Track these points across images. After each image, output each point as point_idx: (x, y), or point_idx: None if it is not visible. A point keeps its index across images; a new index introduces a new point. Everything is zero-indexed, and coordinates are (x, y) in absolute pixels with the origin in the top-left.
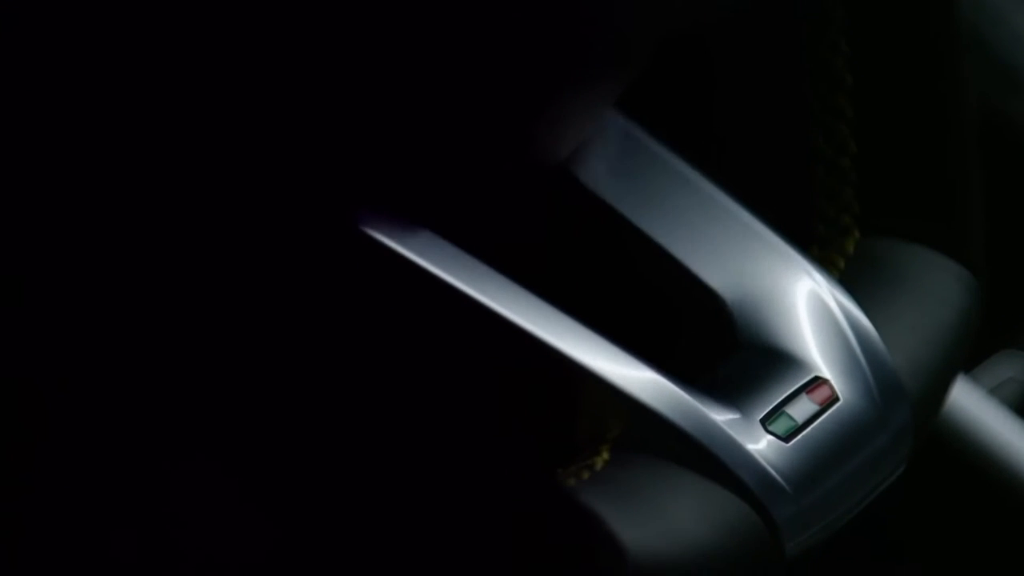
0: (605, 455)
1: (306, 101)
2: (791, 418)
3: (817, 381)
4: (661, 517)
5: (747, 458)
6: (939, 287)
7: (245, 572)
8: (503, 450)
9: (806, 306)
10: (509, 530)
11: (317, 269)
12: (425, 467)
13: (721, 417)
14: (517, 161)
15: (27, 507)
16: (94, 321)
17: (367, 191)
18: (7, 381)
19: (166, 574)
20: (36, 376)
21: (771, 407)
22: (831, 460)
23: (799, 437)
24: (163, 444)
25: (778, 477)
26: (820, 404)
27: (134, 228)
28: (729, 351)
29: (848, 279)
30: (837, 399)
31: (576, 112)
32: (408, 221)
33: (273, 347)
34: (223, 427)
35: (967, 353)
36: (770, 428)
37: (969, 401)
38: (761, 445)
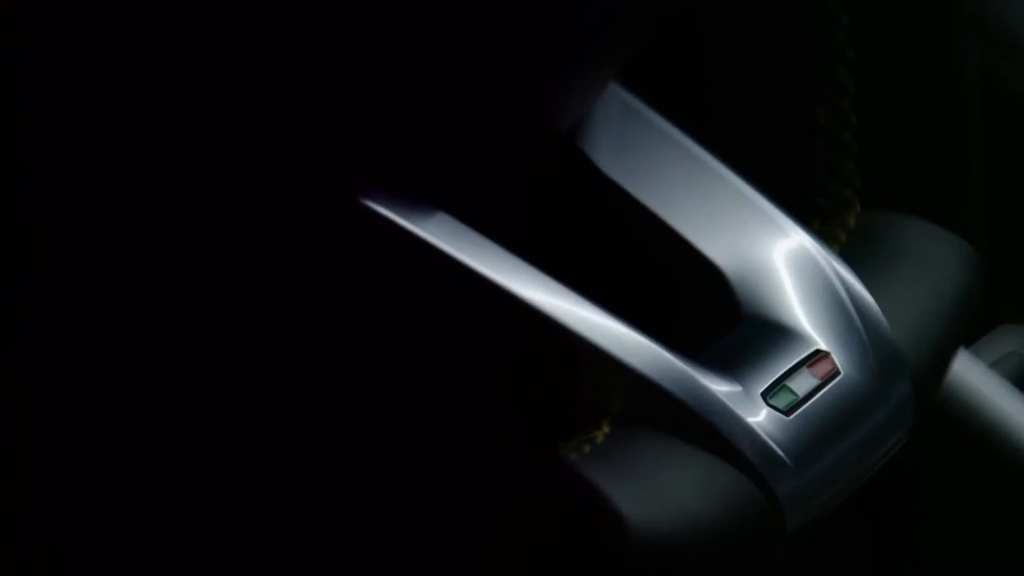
0: (606, 429)
1: (306, 74)
2: (792, 392)
3: (818, 355)
4: (662, 490)
5: (748, 431)
6: (940, 260)
7: (249, 551)
8: (504, 424)
9: (807, 280)
10: (510, 503)
11: (317, 243)
12: (425, 440)
13: (722, 390)
14: (519, 133)
15: (27, 490)
16: (93, 302)
17: (367, 163)
18: (7, 366)
19: (169, 558)
20: (35, 357)
21: (772, 380)
22: (832, 434)
23: (800, 410)
24: (164, 426)
25: (779, 450)
26: (821, 378)
27: (133, 204)
28: (730, 325)
29: (849, 253)
30: (838, 373)
31: (579, 84)
32: (408, 194)
33: (272, 323)
34: (224, 401)
35: (968, 326)
36: (771, 401)
37: (970, 375)
38: (762, 418)
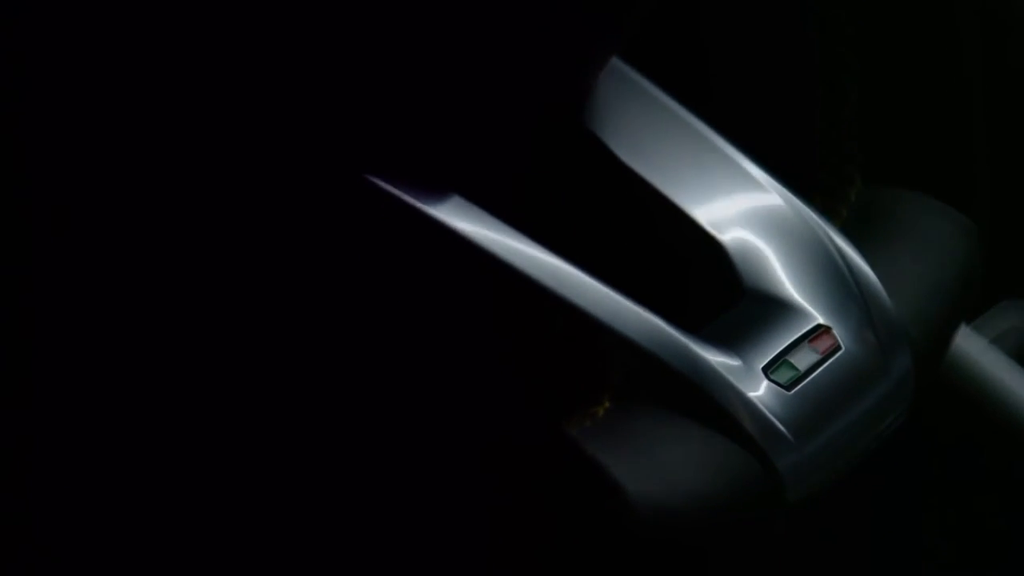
0: (607, 403)
1: (316, 57)
2: (793, 366)
3: (819, 330)
4: (663, 464)
5: (748, 405)
6: (942, 235)
7: (251, 534)
8: (506, 399)
9: (809, 255)
10: (512, 478)
11: (323, 220)
12: (429, 415)
13: (723, 365)
14: (523, 110)
15: (25, 504)
16: (97, 290)
17: (373, 140)
18: (7, 366)
19: (170, 558)
20: (36, 348)
21: (773, 355)
22: (833, 408)
23: (801, 385)
24: (166, 419)
25: (779, 425)
26: (822, 353)
27: (151, 184)
28: (732, 300)
29: (851, 228)
30: (839, 348)
31: (582, 61)
32: (413, 169)
33: (279, 301)
34: (234, 372)
35: (970, 301)
36: (772, 376)
37: (972, 351)
38: (763, 392)
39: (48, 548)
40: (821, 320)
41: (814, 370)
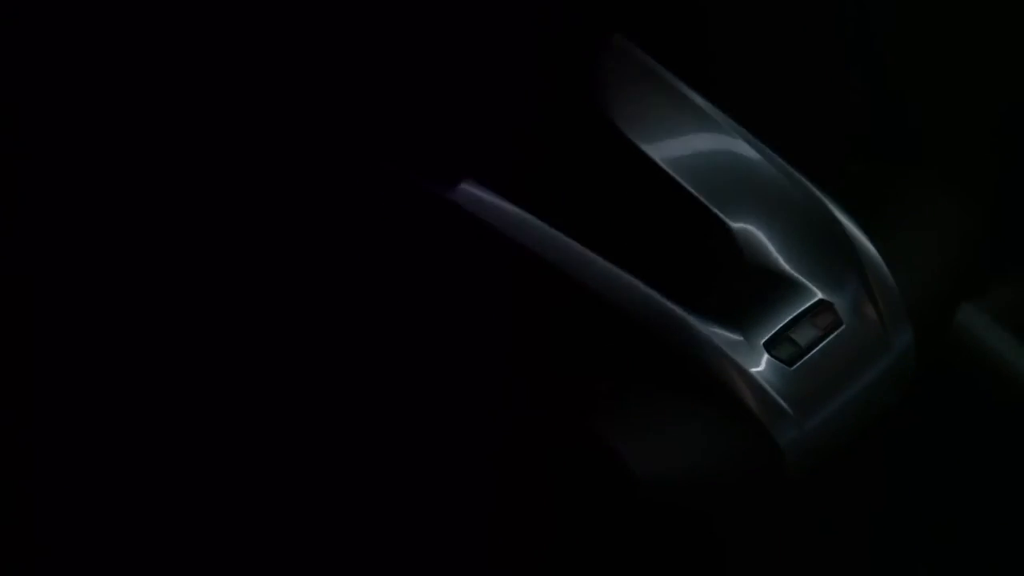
0: (610, 381)
1: (333, 49)
2: (794, 342)
3: (821, 306)
4: (665, 440)
5: (750, 380)
6: (944, 212)
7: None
8: (508, 376)
9: (811, 232)
10: (518, 455)
11: (342, 207)
12: (437, 396)
13: (724, 340)
14: (536, 93)
15: (26, 504)
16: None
17: (388, 129)
18: (7, 372)
19: (170, 558)
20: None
21: (775, 331)
22: (834, 384)
23: (802, 361)
24: (169, 416)
25: (780, 400)
26: (824, 329)
27: (162, 174)
28: (735, 276)
29: (853, 205)
30: (840, 323)
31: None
32: (430, 155)
33: (299, 286)
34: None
35: (972, 277)
36: (773, 352)
37: (975, 326)
38: (764, 368)
39: (48, 548)
40: (823, 296)
41: (815, 346)
